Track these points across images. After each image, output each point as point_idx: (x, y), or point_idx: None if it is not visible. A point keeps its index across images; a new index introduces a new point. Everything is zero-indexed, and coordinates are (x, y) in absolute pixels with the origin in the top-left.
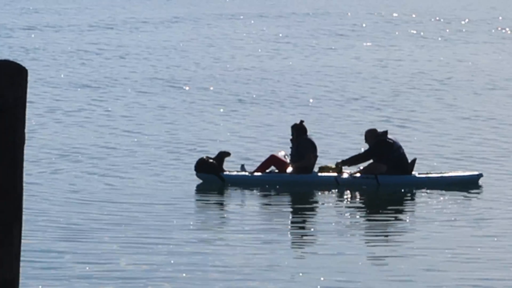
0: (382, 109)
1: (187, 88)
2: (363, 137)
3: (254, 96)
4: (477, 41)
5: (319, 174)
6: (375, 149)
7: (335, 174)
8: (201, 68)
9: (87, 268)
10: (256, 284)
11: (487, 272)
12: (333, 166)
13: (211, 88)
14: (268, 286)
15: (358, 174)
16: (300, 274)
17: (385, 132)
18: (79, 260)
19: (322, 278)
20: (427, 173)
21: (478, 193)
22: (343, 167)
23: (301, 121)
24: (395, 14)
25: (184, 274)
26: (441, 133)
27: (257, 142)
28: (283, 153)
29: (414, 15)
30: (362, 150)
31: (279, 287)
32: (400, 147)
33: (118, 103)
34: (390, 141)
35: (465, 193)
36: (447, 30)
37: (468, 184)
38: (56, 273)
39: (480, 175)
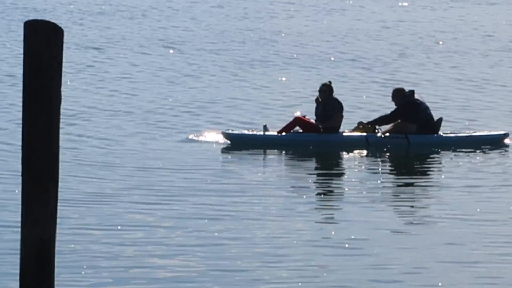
0: (401, 69)
1: (197, 50)
2: (389, 97)
3: (266, 57)
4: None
5: (347, 134)
6: (402, 110)
7: (365, 133)
8: (211, 30)
9: (117, 228)
10: (278, 252)
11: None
12: (369, 126)
13: (222, 50)
14: (288, 254)
15: (387, 134)
16: (323, 240)
17: (412, 92)
18: (110, 222)
19: (346, 245)
20: (455, 133)
21: (507, 151)
22: (376, 127)
23: (329, 82)
24: None
25: (204, 243)
26: (463, 93)
27: (273, 103)
28: (299, 113)
29: None
30: (388, 111)
31: (302, 253)
32: (427, 108)
33: (133, 65)
34: (417, 101)
35: (493, 153)
36: None
37: (495, 143)
38: (90, 234)
39: (506, 135)
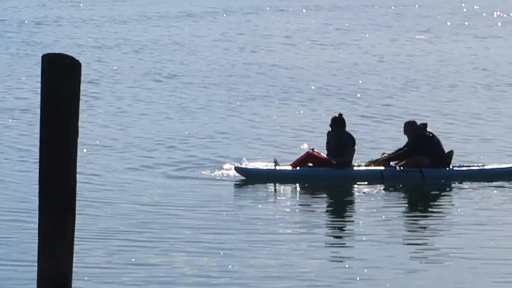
0: (404, 103)
1: (199, 84)
2: (394, 129)
3: (267, 91)
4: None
5: (362, 168)
6: (416, 143)
7: (381, 167)
8: (212, 64)
9: (131, 264)
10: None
11: None
12: (382, 158)
13: (224, 84)
14: None
15: (402, 168)
16: (333, 277)
17: (425, 125)
18: (123, 259)
19: (356, 281)
20: (467, 166)
21: None
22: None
23: (340, 114)
24: (400, 7)
25: (217, 281)
26: (471, 125)
27: (278, 136)
28: (306, 145)
29: (418, 6)
30: (401, 145)
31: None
32: (439, 141)
33: (134, 99)
34: (430, 134)
35: (505, 186)
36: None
37: (506, 176)
38: (103, 270)
39: None
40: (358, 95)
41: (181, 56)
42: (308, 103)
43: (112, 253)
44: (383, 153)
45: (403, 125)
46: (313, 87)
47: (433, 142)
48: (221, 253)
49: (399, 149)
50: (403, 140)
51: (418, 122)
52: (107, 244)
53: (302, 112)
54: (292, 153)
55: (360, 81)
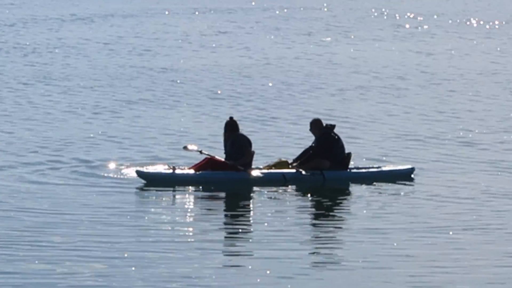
0: (306, 104)
1: (89, 86)
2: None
3: (157, 94)
4: (402, 37)
5: (264, 171)
6: (324, 145)
7: (283, 170)
8: (108, 67)
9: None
10: None
11: (419, 268)
12: (288, 160)
13: (117, 87)
14: None
15: (303, 172)
16: (233, 279)
17: (333, 126)
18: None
19: (258, 280)
20: (365, 167)
21: (413, 185)
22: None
23: (231, 118)
24: (290, 10)
25: (108, 281)
26: (370, 128)
27: (170, 138)
28: (196, 147)
29: (326, 9)
30: (293, 147)
31: None
32: (343, 145)
33: (29, 102)
34: (336, 137)
35: (401, 187)
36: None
37: (403, 178)
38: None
39: (413, 169)
40: (249, 97)
41: (70, 59)
42: (198, 106)
43: (14, 259)
44: (292, 162)
45: (309, 123)
46: (203, 90)
47: (337, 145)
48: (122, 258)
49: (307, 149)
50: (294, 142)
51: (325, 123)
52: (8, 250)
53: (192, 115)
54: (184, 156)
55: (249, 84)
